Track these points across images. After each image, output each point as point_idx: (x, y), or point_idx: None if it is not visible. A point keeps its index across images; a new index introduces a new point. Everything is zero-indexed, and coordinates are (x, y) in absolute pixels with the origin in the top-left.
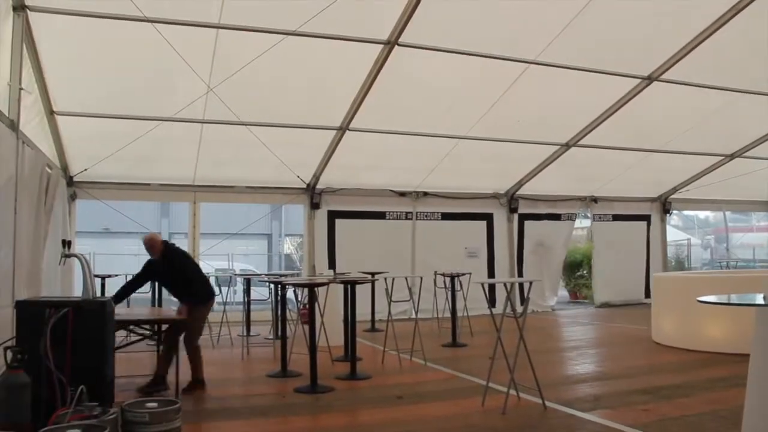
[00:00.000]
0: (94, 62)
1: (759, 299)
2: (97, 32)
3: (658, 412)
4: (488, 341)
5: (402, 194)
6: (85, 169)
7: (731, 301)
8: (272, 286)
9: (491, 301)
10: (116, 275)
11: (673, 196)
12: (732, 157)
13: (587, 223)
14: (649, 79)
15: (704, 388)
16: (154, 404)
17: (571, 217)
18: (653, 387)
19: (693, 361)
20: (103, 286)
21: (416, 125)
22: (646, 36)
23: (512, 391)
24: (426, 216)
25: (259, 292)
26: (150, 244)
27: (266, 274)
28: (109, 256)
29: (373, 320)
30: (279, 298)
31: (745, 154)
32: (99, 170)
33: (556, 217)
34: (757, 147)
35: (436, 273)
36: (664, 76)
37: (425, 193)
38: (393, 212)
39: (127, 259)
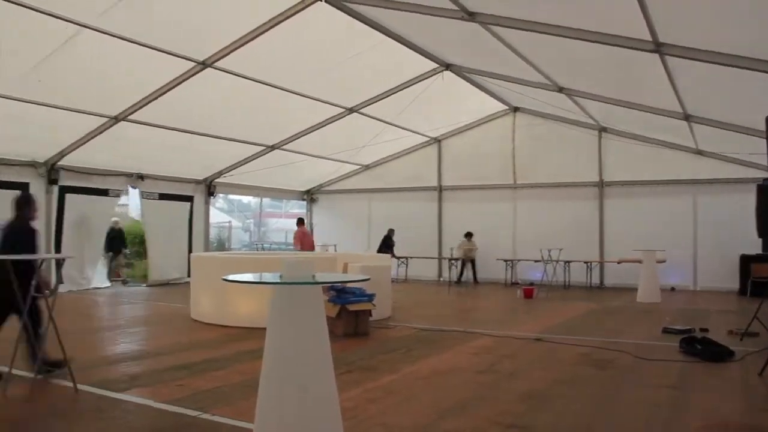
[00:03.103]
0: None
1: (274, 278)
2: None
3: (193, 386)
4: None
5: None
6: None
7: (251, 280)
8: None
9: None
10: None
11: (217, 180)
12: (273, 148)
13: (126, 200)
14: (204, 65)
15: (235, 361)
16: None
17: (118, 194)
18: (189, 363)
19: (227, 336)
20: None
21: None
22: (204, 22)
23: (41, 376)
24: None
25: None
26: None
27: None
28: None
29: None
30: None
31: (284, 147)
32: None
33: (103, 192)
34: (294, 141)
35: None
36: (218, 64)
37: None
38: None
39: None
